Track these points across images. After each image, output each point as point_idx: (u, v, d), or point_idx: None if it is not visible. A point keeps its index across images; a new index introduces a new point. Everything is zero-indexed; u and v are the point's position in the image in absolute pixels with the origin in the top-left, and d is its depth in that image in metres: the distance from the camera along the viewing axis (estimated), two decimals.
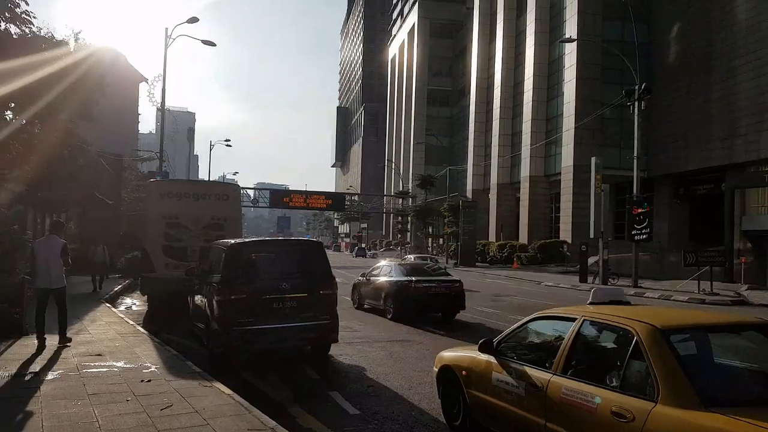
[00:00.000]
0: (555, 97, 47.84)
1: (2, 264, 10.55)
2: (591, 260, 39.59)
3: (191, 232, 14.73)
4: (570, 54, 43.46)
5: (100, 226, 26.25)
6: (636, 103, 25.42)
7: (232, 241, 9.00)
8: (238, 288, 8.20)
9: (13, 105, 12.62)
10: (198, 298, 10.08)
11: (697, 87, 37.12)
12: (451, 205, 47.95)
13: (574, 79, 42.96)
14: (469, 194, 58.51)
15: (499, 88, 54.78)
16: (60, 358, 7.91)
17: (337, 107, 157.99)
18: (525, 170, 49.47)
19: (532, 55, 49.03)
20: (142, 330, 10.57)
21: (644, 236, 25.58)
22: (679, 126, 38.89)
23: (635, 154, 25.91)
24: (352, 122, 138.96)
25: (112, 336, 9.85)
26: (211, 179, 53.25)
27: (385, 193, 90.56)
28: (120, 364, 7.58)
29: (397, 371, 8.23)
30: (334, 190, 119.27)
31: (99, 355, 8.09)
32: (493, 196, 54.73)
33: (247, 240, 9.30)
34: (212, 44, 28.26)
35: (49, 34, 14.24)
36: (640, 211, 25.14)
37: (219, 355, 8.45)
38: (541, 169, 48.88)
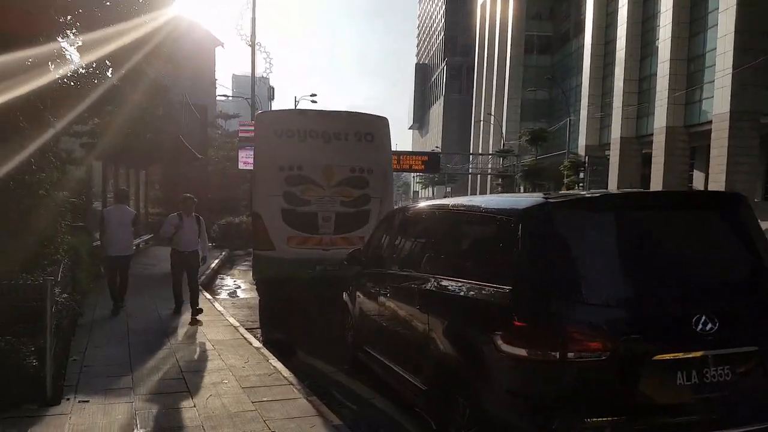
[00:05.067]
0: (701, 32, 39.77)
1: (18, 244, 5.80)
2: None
3: (322, 190, 9.89)
4: None
5: (187, 188, 22.27)
6: None
7: (539, 198, 3.69)
8: (578, 328, 3.11)
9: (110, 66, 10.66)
10: (387, 307, 5.16)
11: None
12: (573, 161, 41.18)
13: (734, 6, 34.88)
14: (581, 150, 51.41)
15: (625, 24, 46.80)
16: None
17: (416, 64, 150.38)
18: (660, 120, 41.92)
19: None
20: (284, 372, 5.71)
21: None
22: None
23: None
24: (432, 80, 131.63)
25: (232, 397, 5.03)
26: None
27: (472, 152, 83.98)
28: None
29: None
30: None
31: None
32: (614, 152, 47.46)
33: (579, 195, 3.99)
34: None
35: None
36: None
37: None
38: (680, 119, 41.25)
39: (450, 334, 3.91)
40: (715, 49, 36.93)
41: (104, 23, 9.92)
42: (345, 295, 6.76)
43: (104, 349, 6.38)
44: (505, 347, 3.21)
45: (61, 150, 14.05)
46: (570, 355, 3.00)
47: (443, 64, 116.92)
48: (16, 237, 5.19)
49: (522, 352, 3.12)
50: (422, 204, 5.46)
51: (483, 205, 4.20)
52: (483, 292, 3.61)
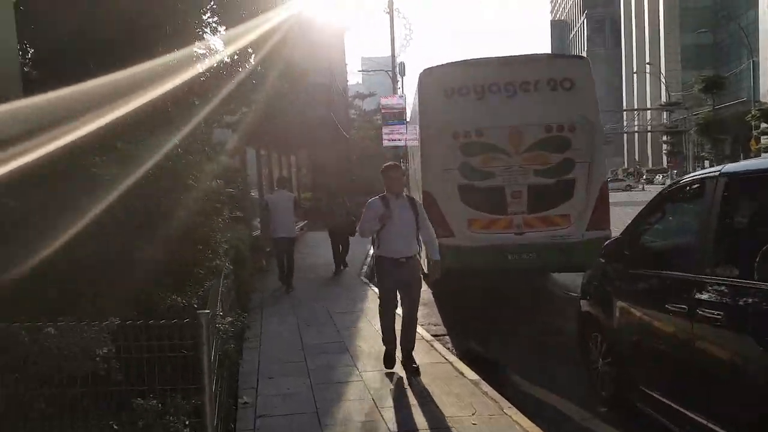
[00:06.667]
0: None
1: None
2: None
3: (509, 159, 8.09)
4: None
5: (334, 170, 21.55)
6: None
7: None
8: None
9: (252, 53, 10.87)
10: (719, 341, 3.17)
11: None
12: (763, 110, 34.91)
13: None
14: (762, 98, 44.16)
15: None
16: None
17: (551, 21, 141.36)
18: None
19: None
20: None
21: None
22: None
23: None
24: (571, 36, 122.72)
25: None
26: None
27: (626, 108, 76.53)
28: None
29: None
30: None
31: None
32: None
33: None
34: None
35: None
36: None
37: None
38: None
39: None
40: None
41: (245, 18, 9.44)
42: (586, 304, 4.84)
43: (280, 383, 5.00)
44: None
45: (215, 143, 13.86)
46: None
47: (583, 18, 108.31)
48: (159, 242, 3.99)
49: None
50: None
51: None
52: None
